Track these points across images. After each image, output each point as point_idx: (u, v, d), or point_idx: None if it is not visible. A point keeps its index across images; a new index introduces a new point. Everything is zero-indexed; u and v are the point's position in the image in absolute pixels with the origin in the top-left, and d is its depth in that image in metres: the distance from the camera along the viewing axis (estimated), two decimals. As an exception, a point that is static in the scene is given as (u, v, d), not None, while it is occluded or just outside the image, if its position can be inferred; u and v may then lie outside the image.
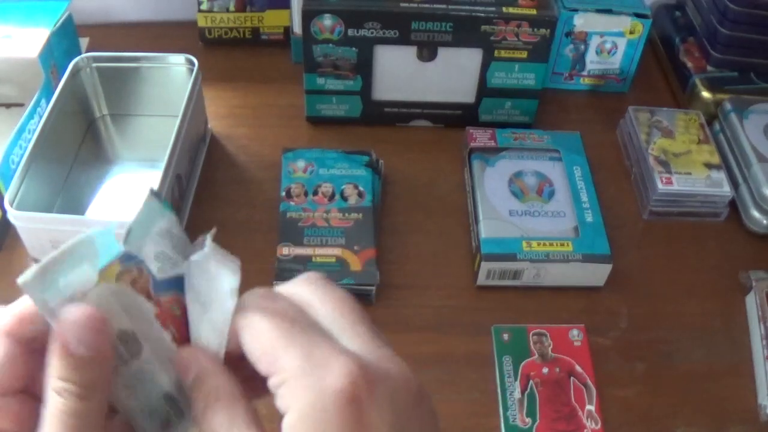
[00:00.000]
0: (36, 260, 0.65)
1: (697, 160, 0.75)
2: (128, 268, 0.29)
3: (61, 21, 0.77)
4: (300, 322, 0.28)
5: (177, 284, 0.31)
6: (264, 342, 0.28)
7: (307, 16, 0.73)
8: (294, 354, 0.27)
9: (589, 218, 0.69)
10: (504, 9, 0.73)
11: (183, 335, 0.31)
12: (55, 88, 0.71)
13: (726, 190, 0.73)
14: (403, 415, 0.27)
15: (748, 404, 0.62)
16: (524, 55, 0.76)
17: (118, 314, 0.29)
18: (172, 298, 0.31)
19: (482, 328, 0.64)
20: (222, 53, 0.91)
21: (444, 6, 0.73)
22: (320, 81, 0.78)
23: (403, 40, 0.74)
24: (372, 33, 0.74)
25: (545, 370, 0.62)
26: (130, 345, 0.29)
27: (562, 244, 0.67)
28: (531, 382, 0.61)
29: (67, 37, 0.80)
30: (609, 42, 0.85)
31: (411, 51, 0.76)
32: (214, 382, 0.28)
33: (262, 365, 0.27)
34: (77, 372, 0.27)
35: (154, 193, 0.30)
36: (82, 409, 0.27)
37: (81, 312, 0.27)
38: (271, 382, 0.27)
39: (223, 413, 0.28)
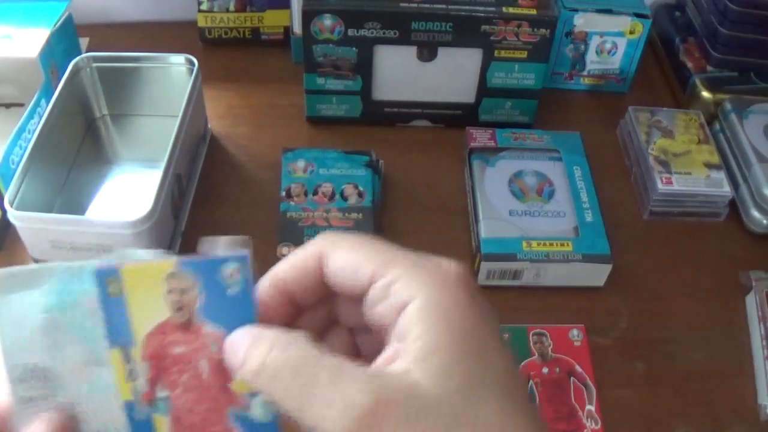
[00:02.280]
0: (36, 260, 0.65)
1: (697, 160, 0.75)
2: (184, 273, 0.29)
3: (61, 21, 0.77)
4: (388, 244, 0.30)
5: (224, 320, 0.30)
6: (365, 255, 0.30)
7: (307, 16, 0.73)
8: (404, 256, 0.30)
9: (589, 218, 0.69)
10: (504, 9, 0.73)
11: (214, 374, 0.30)
12: (55, 88, 0.71)
13: (726, 190, 0.73)
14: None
15: (748, 404, 0.62)
16: (524, 55, 0.76)
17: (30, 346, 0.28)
18: (214, 333, 0.30)
19: (482, 328, 0.64)
20: (222, 53, 0.91)
21: (444, 6, 0.73)
22: (320, 81, 0.78)
23: (403, 40, 0.74)
24: (372, 33, 0.74)
25: (545, 370, 0.62)
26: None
27: (562, 244, 0.67)
28: (531, 382, 0.61)
29: (67, 37, 0.80)
30: (609, 42, 0.85)
31: (411, 51, 0.76)
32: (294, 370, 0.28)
33: (363, 275, 0.29)
34: None
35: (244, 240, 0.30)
36: None
37: None
38: (384, 282, 0.29)
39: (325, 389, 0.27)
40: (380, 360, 0.28)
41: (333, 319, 0.34)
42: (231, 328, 0.29)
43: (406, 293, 0.28)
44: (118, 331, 0.29)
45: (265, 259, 0.73)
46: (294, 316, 0.32)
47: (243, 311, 0.29)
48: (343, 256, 0.30)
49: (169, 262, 0.28)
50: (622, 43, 0.85)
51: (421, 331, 0.27)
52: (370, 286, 0.29)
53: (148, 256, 0.29)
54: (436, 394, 0.26)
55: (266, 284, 0.31)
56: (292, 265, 0.32)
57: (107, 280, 0.28)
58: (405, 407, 0.26)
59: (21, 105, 0.78)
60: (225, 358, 0.29)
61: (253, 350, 0.28)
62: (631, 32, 0.84)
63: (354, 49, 0.75)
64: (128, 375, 0.30)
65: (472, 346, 0.28)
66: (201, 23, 0.90)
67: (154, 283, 0.28)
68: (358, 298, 0.30)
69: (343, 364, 0.27)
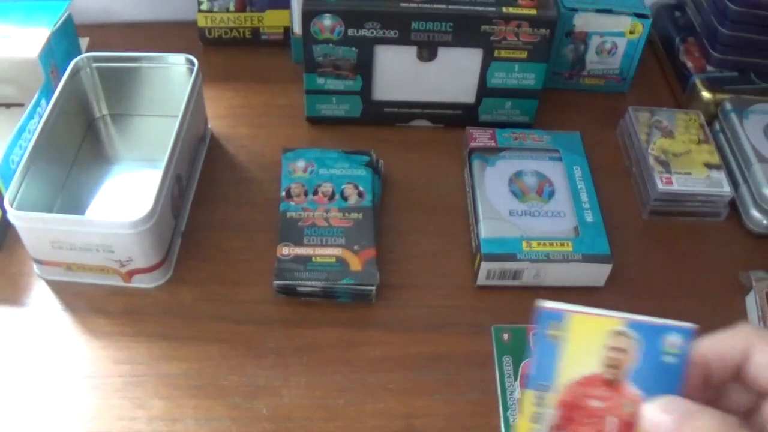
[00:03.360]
0: (36, 260, 0.65)
1: (697, 160, 0.75)
2: (629, 333, 0.29)
3: (61, 21, 0.77)
4: None
5: (649, 385, 0.30)
6: None
7: (307, 16, 0.73)
8: None
9: (589, 218, 0.69)
10: (504, 9, 0.73)
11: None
12: (55, 88, 0.71)
13: (726, 190, 0.73)
14: None
15: (748, 404, 0.62)
16: (524, 55, 0.76)
17: None
18: (634, 395, 0.30)
19: (482, 328, 0.64)
20: (222, 53, 0.91)
21: (444, 6, 0.73)
22: (320, 81, 0.78)
23: (403, 40, 0.74)
24: (372, 33, 0.74)
25: (545, 370, 0.62)
26: None
27: (562, 244, 0.67)
28: (531, 382, 0.61)
29: (67, 37, 0.80)
30: (609, 42, 0.85)
31: (411, 51, 0.76)
32: None
33: None
34: None
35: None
36: None
37: None
38: None
39: None
40: None
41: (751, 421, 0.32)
42: (652, 394, 0.29)
43: None
44: (544, 374, 0.30)
45: (265, 259, 0.73)
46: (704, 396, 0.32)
47: (670, 382, 0.29)
48: None
49: (619, 319, 0.28)
50: (622, 43, 0.85)
51: None
52: None
53: (596, 311, 0.29)
54: None
55: (698, 356, 0.31)
56: (718, 343, 0.32)
57: (550, 323, 0.28)
58: None
59: (21, 105, 0.78)
60: (643, 421, 0.29)
61: (685, 424, 0.28)
62: (631, 32, 0.84)
63: (354, 49, 0.75)
64: (533, 418, 0.30)
65: None
66: (201, 23, 0.90)
67: (597, 336, 0.29)
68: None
69: None
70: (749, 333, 0.31)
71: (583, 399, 0.30)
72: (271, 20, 0.90)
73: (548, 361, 0.29)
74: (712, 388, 0.32)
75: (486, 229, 0.68)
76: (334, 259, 0.65)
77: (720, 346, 0.31)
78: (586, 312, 0.28)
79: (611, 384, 0.29)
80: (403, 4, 0.73)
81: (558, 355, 0.29)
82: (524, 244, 0.66)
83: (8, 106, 0.80)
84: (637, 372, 0.29)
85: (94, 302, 0.65)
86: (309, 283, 0.64)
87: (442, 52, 0.76)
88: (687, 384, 0.30)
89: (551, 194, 0.72)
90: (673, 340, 0.28)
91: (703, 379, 0.32)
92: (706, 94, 0.83)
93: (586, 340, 0.28)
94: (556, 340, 0.28)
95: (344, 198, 0.70)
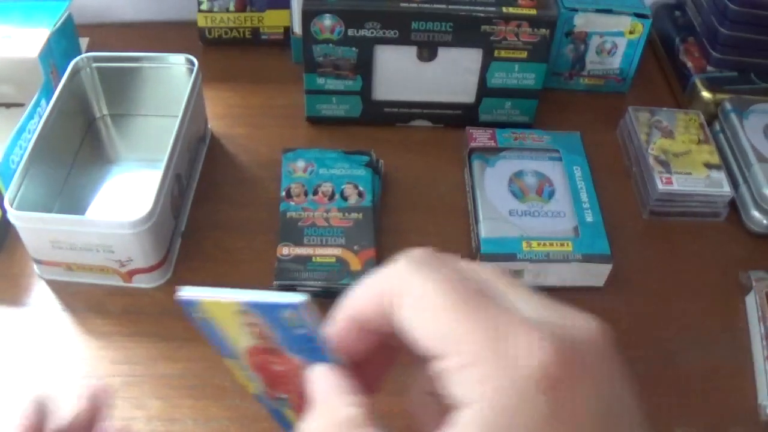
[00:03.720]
0: (36, 260, 0.65)
1: (697, 160, 0.75)
2: (250, 312, 0.29)
3: (61, 21, 0.77)
4: (473, 290, 0.23)
5: (305, 353, 0.30)
6: (435, 318, 0.23)
7: (307, 16, 0.73)
8: (475, 332, 0.22)
9: (589, 218, 0.69)
10: (504, 9, 0.73)
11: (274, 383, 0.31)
12: (55, 88, 0.71)
13: (726, 190, 0.73)
14: (607, 393, 0.23)
15: (748, 404, 0.62)
16: (524, 55, 0.76)
17: None
18: (297, 360, 0.30)
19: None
20: (222, 53, 0.91)
21: (444, 6, 0.73)
22: (320, 81, 0.78)
23: (403, 40, 0.74)
24: (372, 33, 0.74)
25: (545, 370, 0.62)
26: None
27: (562, 244, 0.67)
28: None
29: (67, 37, 0.80)
30: (609, 42, 0.85)
31: (411, 51, 0.76)
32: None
33: (429, 344, 0.23)
34: None
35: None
36: None
37: None
38: (444, 365, 0.23)
39: None
40: None
41: None
42: (310, 359, 0.29)
43: (463, 391, 0.22)
44: (222, 347, 0.30)
45: (265, 259, 0.73)
46: (377, 342, 0.28)
47: (314, 348, 0.29)
48: (411, 310, 0.24)
49: (235, 302, 0.28)
50: (622, 43, 0.85)
51: None
52: (437, 358, 0.23)
53: (222, 294, 0.29)
54: None
55: (340, 316, 0.28)
56: (366, 298, 0.26)
57: (191, 308, 0.29)
58: None
59: (21, 105, 0.78)
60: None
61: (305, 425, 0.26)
62: (631, 32, 0.84)
63: (354, 49, 0.75)
64: (247, 378, 0.31)
65: None
66: (201, 23, 0.90)
67: (231, 315, 0.29)
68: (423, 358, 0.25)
69: None
70: (394, 281, 0.25)
71: (266, 364, 0.30)
72: (271, 20, 0.90)
73: (215, 337, 0.30)
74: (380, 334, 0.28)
75: (486, 229, 0.68)
76: (334, 259, 0.65)
77: (371, 299, 0.26)
78: (212, 297, 0.29)
79: (275, 352, 0.30)
80: (403, 4, 0.73)
81: (218, 332, 0.30)
82: (524, 244, 0.66)
83: (8, 106, 0.80)
84: (285, 341, 0.29)
85: (93, 302, 0.65)
86: (309, 283, 0.64)
87: (442, 52, 0.76)
88: (344, 344, 0.28)
89: (551, 194, 0.72)
90: (288, 315, 0.28)
91: (365, 332, 0.27)
92: (706, 94, 0.83)
93: (225, 319, 0.29)
94: (206, 321, 0.29)
95: (344, 198, 0.70)
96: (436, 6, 0.73)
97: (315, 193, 0.71)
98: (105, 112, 0.80)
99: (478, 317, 0.23)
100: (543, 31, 0.74)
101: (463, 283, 0.24)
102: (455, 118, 0.82)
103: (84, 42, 0.89)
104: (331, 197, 0.70)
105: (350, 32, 0.74)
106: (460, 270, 0.25)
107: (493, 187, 0.72)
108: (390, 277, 0.25)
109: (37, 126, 0.67)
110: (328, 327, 0.28)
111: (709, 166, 0.75)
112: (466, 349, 0.22)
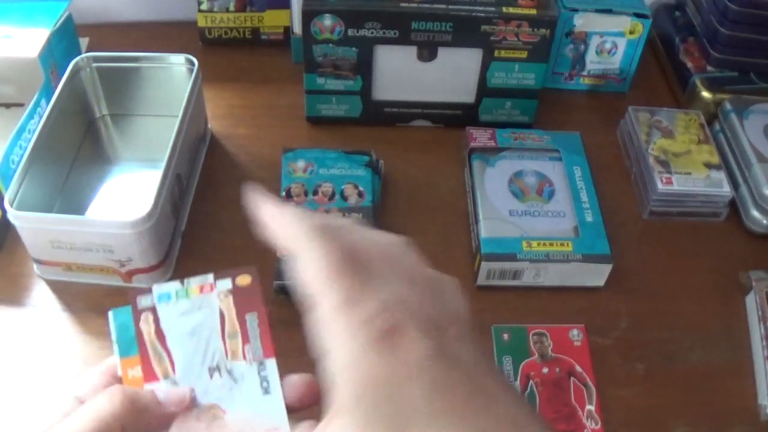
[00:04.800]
0: (36, 260, 0.65)
1: (697, 160, 0.75)
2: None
3: (61, 21, 0.77)
4: (347, 256, 0.29)
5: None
6: (315, 273, 0.29)
7: (307, 16, 0.73)
8: (336, 289, 0.28)
9: (589, 218, 0.69)
10: (504, 9, 0.73)
11: None
12: (55, 88, 0.71)
13: (726, 190, 0.73)
14: (443, 339, 0.28)
15: (748, 404, 0.62)
16: (524, 55, 0.76)
17: None
18: None
19: (482, 328, 0.64)
20: (222, 53, 0.91)
21: (444, 6, 0.73)
22: (320, 81, 0.78)
23: (403, 40, 0.74)
24: (372, 33, 0.74)
25: (545, 370, 0.62)
26: None
27: (562, 244, 0.67)
28: (531, 382, 0.61)
29: (67, 37, 0.80)
30: (609, 42, 0.85)
31: (411, 51, 0.76)
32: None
33: (309, 297, 0.28)
34: None
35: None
36: None
37: None
38: (313, 317, 0.28)
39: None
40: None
41: None
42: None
43: (323, 339, 0.28)
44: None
45: (265, 259, 0.73)
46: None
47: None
48: (300, 266, 0.30)
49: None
50: (622, 43, 0.85)
51: (334, 396, 0.27)
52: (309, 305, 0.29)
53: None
54: None
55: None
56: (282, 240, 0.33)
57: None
58: None
59: (21, 105, 0.78)
60: None
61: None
62: (631, 32, 0.84)
63: (354, 49, 0.75)
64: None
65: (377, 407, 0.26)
66: (201, 23, 0.90)
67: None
68: None
69: None
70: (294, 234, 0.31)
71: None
72: (271, 20, 0.90)
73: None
74: None
75: (486, 229, 0.68)
76: (334, 259, 0.65)
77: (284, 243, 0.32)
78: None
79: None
80: (403, 4, 0.73)
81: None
82: (524, 244, 0.66)
83: (8, 106, 0.80)
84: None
85: (93, 302, 0.65)
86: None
87: (442, 52, 0.76)
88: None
89: (551, 194, 0.72)
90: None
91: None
92: (706, 94, 0.83)
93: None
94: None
95: (344, 198, 0.70)
96: (436, 6, 0.73)
97: (315, 193, 0.71)
98: (105, 112, 0.80)
99: (343, 276, 0.28)
100: (543, 31, 0.74)
101: (343, 246, 0.30)
102: (455, 118, 0.82)
103: (84, 42, 0.89)
104: (331, 197, 0.70)
105: (350, 32, 0.74)
106: (348, 243, 0.30)
107: (493, 187, 0.72)
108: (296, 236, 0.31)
109: (37, 126, 0.67)
110: None
111: (709, 166, 0.75)
112: (330, 299, 0.28)
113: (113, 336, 0.36)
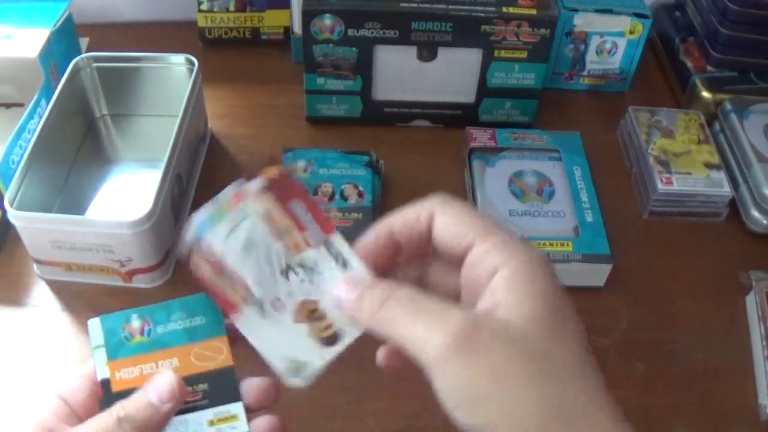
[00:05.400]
0: (36, 260, 0.65)
1: (697, 160, 0.75)
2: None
3: (61, 21, 0.77)
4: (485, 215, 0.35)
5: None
6: (469, 223, 0.34)
7: (307, 16, 0.73)
8: (499, 229, 0.34)
9: (589, 218, 0.69)
10: (504, 9, 0.73)
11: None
12: (55, 88, 0.71)
13: (726, 190, 0.73)
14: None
15: (748, 404, 0.62)
16: (524, 55, 0.76)
17: None
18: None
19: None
20: (222, 53, 0.91)
21: (444, 6, 0.73)
22: (320, 81, 0.78)
23: (403, 40, 0.74)
24: (372, 33, 0.74)
25: (545, 370, 0.62)
26: None
27: (562, 244, 0.67)
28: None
29: (67, 37, 0.80)
30: (609, 42, 0.85)
31: (411, 51, 0.76)
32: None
33: (464, 240, 0.34)
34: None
35: None
36: None
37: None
38: (478, 250, 0.33)
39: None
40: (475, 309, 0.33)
41: (423, 284, 0.38)
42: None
43: (498, 260, 0.32)
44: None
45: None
46: (393, 266, 0.37)
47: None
48: (450, 219, 0.35)
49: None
50: (622, 43, 0.85)
51: (513, 288, 0.32)
52: (468, 250, 0.34)
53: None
54: (524, 330, 0.31)
55: (378, 229, 0.36)
56: (404, 216, 0.36)
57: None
58: (498, 332, 0.30)
59: (21, 105, 0.78)
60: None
61: (367, 296, 0.34)
62: (631, 32, 0.84)
63: (354, 49, 0.75)
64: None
65: (554, 309, 0.32)
66: (201, 23, 0.90)
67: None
68: (453, 262, 0.35)
69: (446, 301, 0.32)
70: (432, 204, 0.36)
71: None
72: (271, 20, 0.90)
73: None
74: (399, 266, 0.37)
75: (486, 229, 0.68)
76: (334, 259, 0.65)
77: (408, 218, 0.36)
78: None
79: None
80: (403, 4, 0.73)
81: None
82: (524, 244, 0.66)
83: (8, 106, 0.80)
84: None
85: (93, 302, 0.65)
86: (309, 283, 0.64)
87: (442, 52, 0.76)
88: (374, 252, 0.36)
89: (551, 194, 0.72)
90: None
91: (393, 249, 0.36)
92: (706, 94, 0.83)
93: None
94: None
95: (344, 198, 0.70)
96: (436, 6, 0.73)
97: (315, 193, 0.71)
98: (105, 112, 0.80)
99: (496, 224, 0.34)
100: (543, 31, 0.74)
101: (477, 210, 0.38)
102: (455, 118, 0.82)
103: (84, 42, 0.89)
104: (331, 197, 0.70)
105: (350, 32, 0.74)
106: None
107: (493, 187, 0.72)
108: (429, 203, 0.36)
109: (37, 126, 0.67)
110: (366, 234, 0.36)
111: (709, 166, 0.75)
112: (498, 236, 0.33)
113: (99, 341, 0.37)
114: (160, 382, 0.37)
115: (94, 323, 0.38)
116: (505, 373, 0.30)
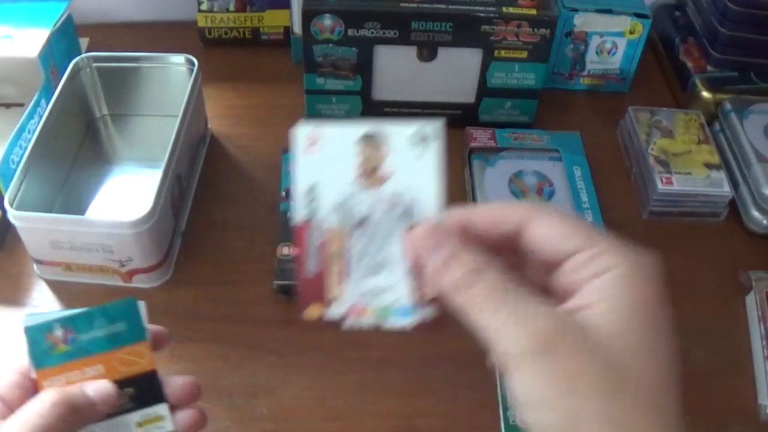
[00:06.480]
0: (36, 260, 0.65)
1: (697, 160, 0.75)
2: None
3: (61, 21, 0.77)
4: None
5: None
6: (572, 227, 0.33)
7: (307, 16, 0.73)
8: (605, 236, 0.33)
9: (589, 218, 0.69)
10: (504, 9, 0.73)
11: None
12: (55, 88, 0.71)
13: (726, 190, 0.73)
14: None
15: (748, 404, 0.62)
16: (524, 55, 0.76)
17: None
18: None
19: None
20: (222, 53, 0.91)
21: (444, 6, 0.73)
22: (320, 81, 0.78)
23: (403, 40, 0.74)
24: (372, 33, 0.74)
25: (545, 370, 0.62)
26: None
27: (562, 244, 0.67)
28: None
29: (67, 37, 0.80)
30: (609, 42, 0.85)
31: (411, 51, 0.76)
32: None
33: (568, 245, 0.33)
34: None
35: None
36: None
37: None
38: (586, 254, 0.32)
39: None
40: (564, 306, 0.32)
41: None
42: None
43: (606, 264, 0.32)
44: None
45: (265, 259, 0.72)
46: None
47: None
48: (550, 226, 0.33)
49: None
50: (622, 43, 0.85)
51: (611, 294, 0.31)
52: (570, 255, 0.32)
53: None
54: (608, 338, 0.30)
55: (458, 217, 0.35)
56: (492, 212, 0.34)
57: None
58: (580, 338, 0.30)
59: (21, 105, 0.78)
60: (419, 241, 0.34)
61: (455, 260, 0.32)
62: (631, 32, 0.84)
63: (354, 49, 0.75)
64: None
65: (648, 323, 0.32)
66: (201, 23, 0.90)
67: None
68: (549, 264, 0.33)
69: (533, 294, 0.31)
70: (527, 211, 0.34)
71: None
72: (271, 20, 0.90)
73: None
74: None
75: (486, 229, 0.68)
76: (334, 259, 0.65)
77: (495, 216, 0.34)
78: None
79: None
80: (403, 4, 0.73)
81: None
82: (524, 244, 0.66)
83: (8, 106, 0.80)
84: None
85: (94, 302, 0.64)
86: (309, 283, 0.64)
87: (442, 52, 0.76)
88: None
89: (551, 194, 0.72)
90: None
91: (466, 240, 0.35)
92: (706, 94, 0.83)
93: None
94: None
95: (344, 198, 0.70)
96: (436, 6, 0.73)
97: (315, 193, 0.71)
98: (105, 112, 0.80)
99: (596, 232, 0.33)
100: (543, 31, 0.74)
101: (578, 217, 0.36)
102: (455, 118, 0.82)
103: (84, 42, 0.89)
104: (331, 197, 0.70)
105: (350, 32, 0.74)
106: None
107: (493, 187, 0.72)
108: (523, 208, 0.34)
109: (37, 126, 0.67)
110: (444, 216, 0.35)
111: (709, 166, 0.75)
112: (606, 242, 0.32)
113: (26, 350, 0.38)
114: (98, 383, 0.39)
115: (24, 330, 0.40)
116: (575, 382, 0.29)
